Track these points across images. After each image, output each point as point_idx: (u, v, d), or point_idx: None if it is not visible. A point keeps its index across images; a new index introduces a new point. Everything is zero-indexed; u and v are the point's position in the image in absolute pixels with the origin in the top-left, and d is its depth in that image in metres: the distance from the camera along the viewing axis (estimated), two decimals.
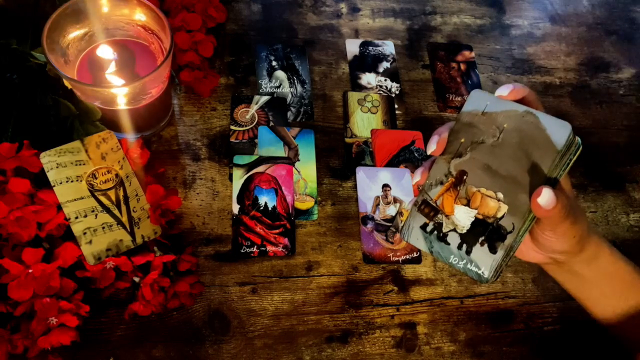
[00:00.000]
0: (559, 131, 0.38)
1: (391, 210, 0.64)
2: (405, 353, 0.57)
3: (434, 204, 0.42)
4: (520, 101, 0.40)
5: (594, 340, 0.61)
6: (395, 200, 0.64)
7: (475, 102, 0.41)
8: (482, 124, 0.40)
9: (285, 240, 0.60)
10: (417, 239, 0.42)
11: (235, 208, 0.61)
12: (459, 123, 0.41)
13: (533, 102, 0.41)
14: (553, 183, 0.38)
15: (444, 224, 0.41)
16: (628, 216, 0.70)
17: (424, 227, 0.42)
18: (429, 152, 0.42)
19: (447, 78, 0.75)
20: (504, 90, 0.40)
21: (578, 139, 0.39)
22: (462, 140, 0.41)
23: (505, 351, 0.59)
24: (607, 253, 0.46)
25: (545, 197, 0.37)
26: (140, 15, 0.57)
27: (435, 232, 0.42)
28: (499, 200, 0.39)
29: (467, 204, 0.40)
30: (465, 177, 0.40)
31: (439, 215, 0.41)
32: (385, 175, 0.66)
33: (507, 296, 0.62)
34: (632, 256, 0.48)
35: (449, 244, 0.41)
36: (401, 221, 0.63)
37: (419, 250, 0.62)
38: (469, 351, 0.58)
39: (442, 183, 0.41)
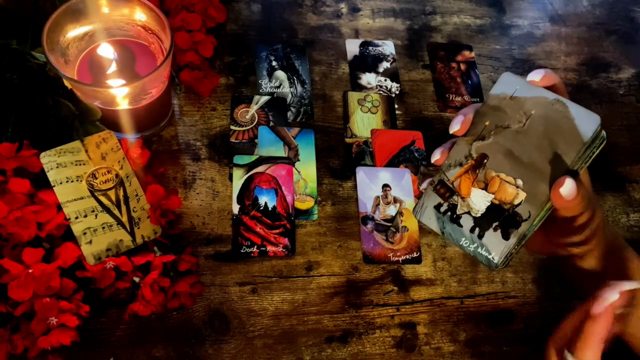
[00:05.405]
0: (587, 123, 0.37)
1: (391, 210, 0.64)
2: (405, 353, 0.57)
3: (451, 185, 0.41)
4: (550, 88, 0.39)
5: None
6: (395, 200, 0.64)
7: (505, 85, 0.40)
8: (509, 109, 0.39)
9: (285, 240, 0.60)
10: (429, 219, 0.42)
11: (235, 208, 0.61)
12: (485, 105, 0.40)
13: (561, 91, 0.40)
14: (574, 175, 0.37)
15: (459, 206, 0.41)
16: (628, 216, 0.70)
17: (437, 207, 0.42)
18: (451, 132, 0.41)
19: (447, 78, 0.75)
20: (536, 76, 0.39)
21: (604, 132, 0.38)
22: (487, 123, 0.40)
23: (505, 351, 0.59)
24: (621, 250, 0.46)
25: (567, 187, 0.36)
26: (140, 15, 0.57)
27: (449, 213, 0.41)
28: (517, 187, 0.39)
29: (485, 188, 0.40)
30: (485, 160, 0.40)
31: (455, 197, 0.41)
32: (385, 175, 0.66)
33: (507, 296, 0.62)
34: None
35: (461, 226, 0.41)
36: (401, 221, 0.63)
37: (419, 250, 0.62)
38: (469, 351, 0.58)
39: (461, 165, 0.41)
